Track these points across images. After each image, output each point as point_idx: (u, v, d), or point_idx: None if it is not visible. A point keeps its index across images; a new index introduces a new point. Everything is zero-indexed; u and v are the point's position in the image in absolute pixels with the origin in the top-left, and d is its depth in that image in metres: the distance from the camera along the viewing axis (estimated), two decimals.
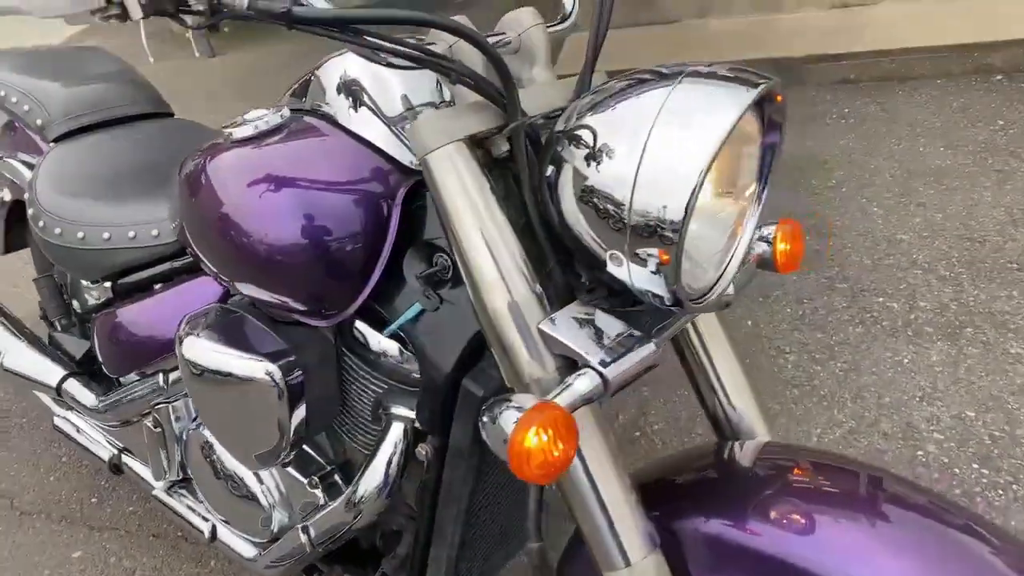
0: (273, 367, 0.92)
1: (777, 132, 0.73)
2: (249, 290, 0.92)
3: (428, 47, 0.74)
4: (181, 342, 0.97)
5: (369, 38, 0.66)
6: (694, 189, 0.60)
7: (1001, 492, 1.46)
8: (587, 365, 0.68)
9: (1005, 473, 1.49)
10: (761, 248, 0.87)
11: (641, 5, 3.49)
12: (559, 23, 0.98)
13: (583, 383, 0.67)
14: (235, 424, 1.02)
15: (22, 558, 1.68)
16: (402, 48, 0.67)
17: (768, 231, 0.88)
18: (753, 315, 1.98)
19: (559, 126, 0.71)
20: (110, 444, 1.49)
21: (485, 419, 0.67)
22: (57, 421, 1.58)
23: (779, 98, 0.70)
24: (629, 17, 3.50)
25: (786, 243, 0.87)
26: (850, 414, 1.67)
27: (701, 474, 0.87)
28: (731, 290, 0.79)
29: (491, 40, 0.84)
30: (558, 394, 0.66)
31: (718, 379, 0.90)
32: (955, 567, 0.66)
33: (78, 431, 1.54)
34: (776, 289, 2.05)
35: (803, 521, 0.71)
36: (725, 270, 0.76)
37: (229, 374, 0.94)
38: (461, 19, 0.76)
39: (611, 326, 0.71)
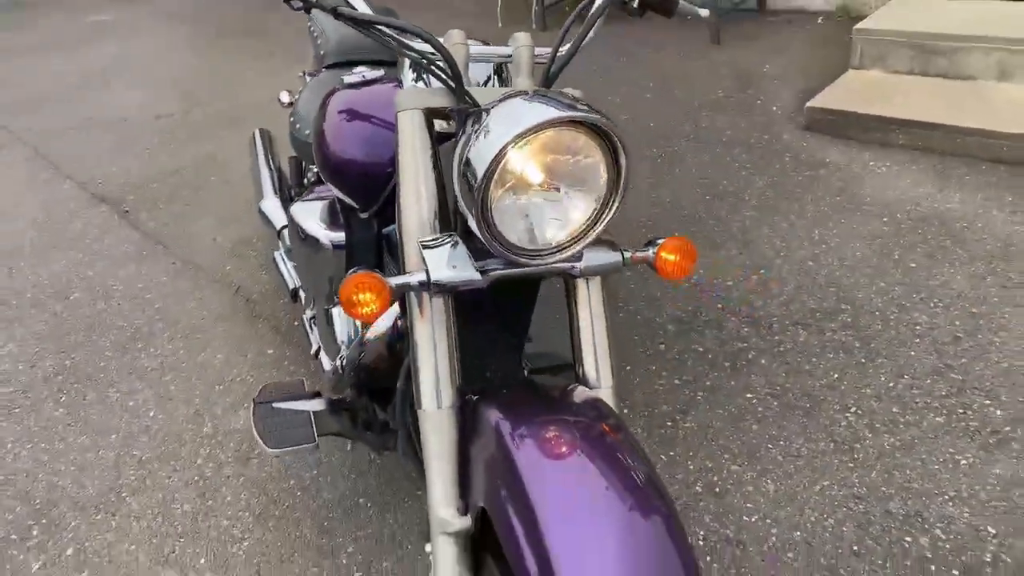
0: (332, 235, 1.40)
1: (621, 157, 0.99)
2: (330, 182, 1.40)
3: (418, 47, 1.11)
4: (291, 204, 1.50)
5: (381, 30, 1.06)
6: (487, 170, 0.92)
7: None
8: (424, 271, 1.03)
9: None
10: (646, 252, 1.12)
11: (936, 55, 3.30)
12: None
13: (414, 279, 1.02)
14: (307, 271, 1.53)
15: (234, 343, 2.43)
16: (394, 41, 1.07)
17: (658, 240, 1.12)
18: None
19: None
20: (292, 279, 2.14)
21: None
22: (275, 255, 2.28)
23: (615, 136, 0.96)
24: (918, 65, 3.34)
25: (671, 254, 1.11)
26: None
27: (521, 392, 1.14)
28: (582, 264, 1.07)
29: (502, 51, 1.18)
30: (399, 278, 1.02)
31: (578, 332, 1.16)
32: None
33: (284, 263, 2.22)
34: None
35: (553, 450, 0.96)
36: (566, 244, 1.03)
37: (306, 233, 1.44)
38: (458, 32, 1.13)
39: (460, 258, 1.04)
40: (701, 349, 2.15)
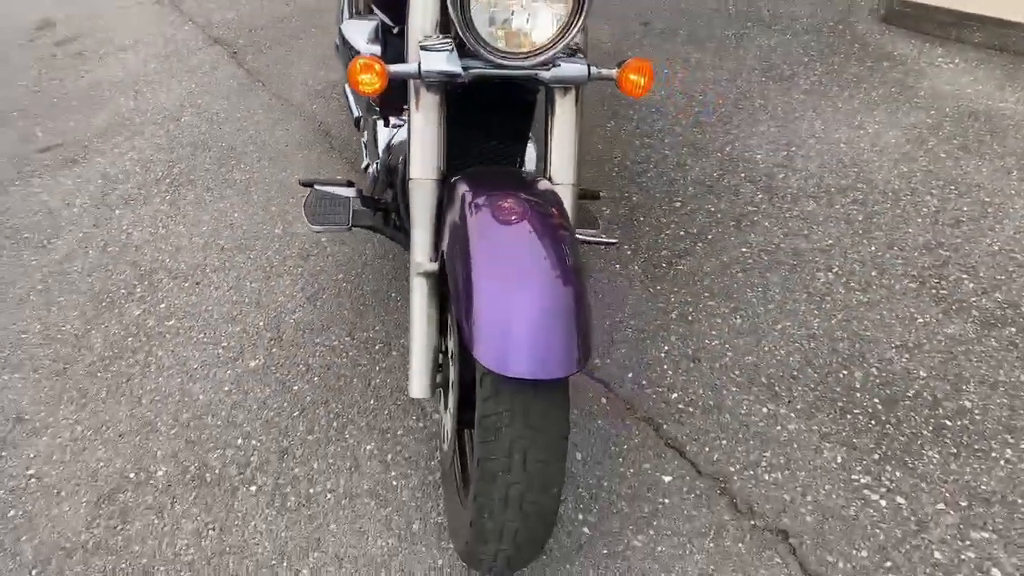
0: (371, 48, 1.67)
1: None
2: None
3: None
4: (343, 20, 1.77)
5: None
6: None
7: None
8: (417, 63, 1.28)
9: None
10: (612, 71, 1.34)
11: None
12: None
13: (409, 68, 1.28)
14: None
15: (310, 167, 2.80)
16: None
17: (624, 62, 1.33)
18: None
19: None
20: (355, 108, 2.44)
21: None
22: (344, 85, 2.58)
23: None
24: None
25: (633, 74, 1.33)
26: None
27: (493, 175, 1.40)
28: (550, 74, 1.30)
29: None
30: (397, 65, 1.29)
31: (551, 136, 1.40)
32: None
33: (349, 93, 2.52)
34: None
35: (498, 215, 1.23)
36: (536, 50, 1.26)
37: (350, 46, 1.72)
38: None
39: (450, 58, 1.28)
40: (712, 209, 2.34)
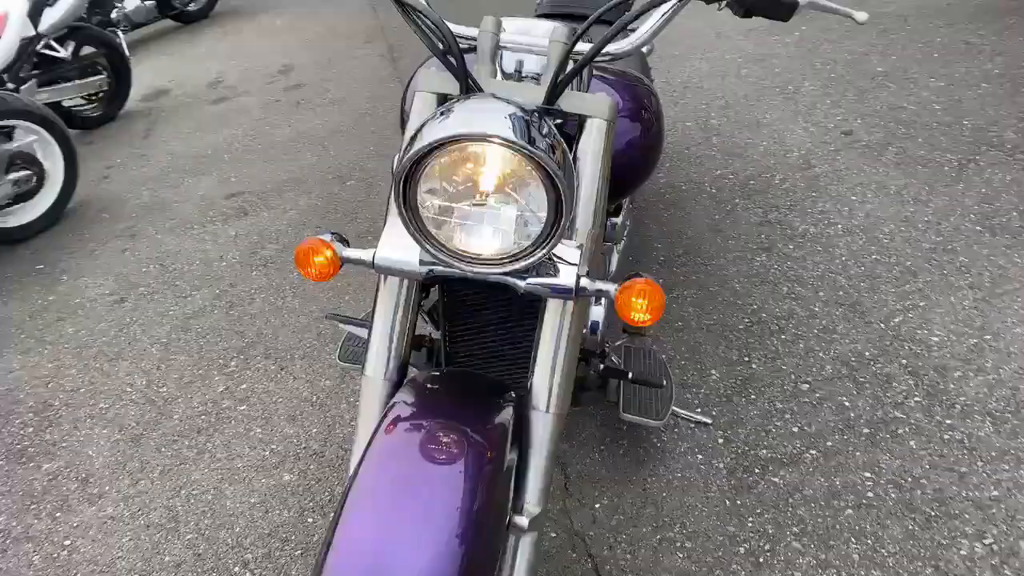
0: None
1: (555, 189, 0.93)
2: None
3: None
4: None
5: (406, 11, 1.11)
6: (403, 173, 0.94)
7: None
8: (374, 250, 1.10)
9: None
10: (607, 288, 1.05)
11: None
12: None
13: (365, 255, 1.10)
14: None
15: None
16: (413, 25, 1.11)
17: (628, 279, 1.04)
18: None
19: None
20: None
21: None
22: None
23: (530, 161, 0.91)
24: None
25: (636, 297, 1.03)
26: None
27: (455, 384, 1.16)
28: (525, 283, 1.05)
29: (539, 43, 1.15)
30: (353, 250, 1.11)
31: (536, 347, 1.13)
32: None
33: None
34: None
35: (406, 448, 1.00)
36: (503, 258, 1.01)
37: None
38: (491, 19, 1.12)
39: (412, 247, 1.08)
40: (846, 403, 1.86)
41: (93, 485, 2.01)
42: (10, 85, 3.98)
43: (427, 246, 1.02)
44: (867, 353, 1.98)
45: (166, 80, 5.31)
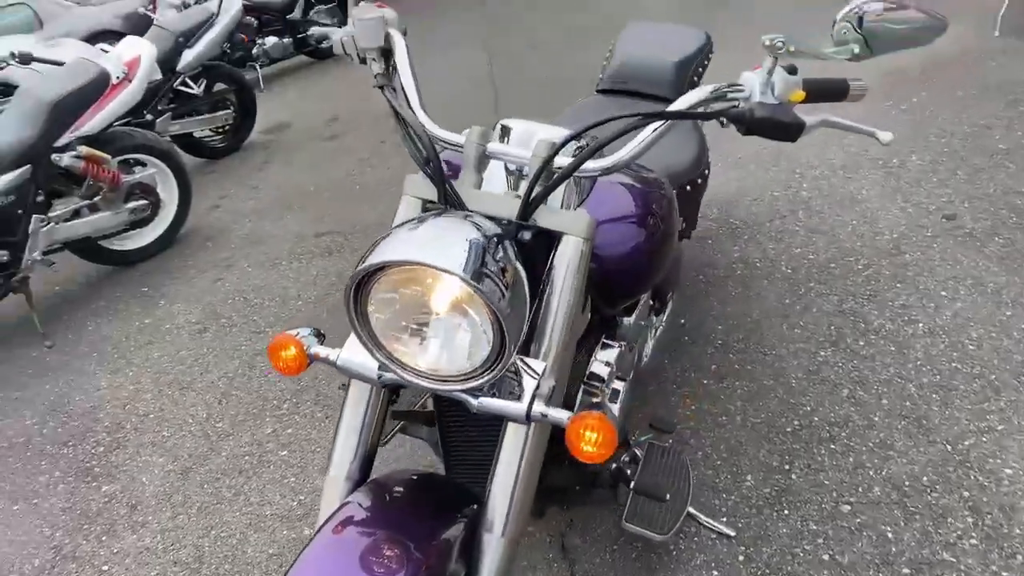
0: None
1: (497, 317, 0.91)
2: None
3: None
4: None
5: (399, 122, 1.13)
6: (348, 288, 0.95)
7: None
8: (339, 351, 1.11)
9: None
10: (560, 416, 1.01)
11: None
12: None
13: (331, 354, 1.11)
14: None
15: None
16: (400, 135, 1.13)
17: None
18: None
19: None
20: None
21: None
22: None
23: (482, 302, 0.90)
24: None
25: (586, 431, 0.99)
26: None
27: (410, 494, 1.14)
28: (478, 402, 1.03)
29: (521, 155, 1.13)
30: (323, 348, 1.13)
31: (495, 466, 1.10)
32: None
33: None
34: None
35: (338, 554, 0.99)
36: (462, 377, 1.00)
37: None
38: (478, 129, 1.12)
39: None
40: (890, 535, 1.67)
41: (139, 513, 2.15)
42: (148, 117, 4.40)
43: (379, 356, 1.02)
44: (924, 478, 1.78)
45: (290, 115, 5.67)
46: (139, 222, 3.59)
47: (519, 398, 1.05)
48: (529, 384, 1.05)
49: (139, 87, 3.48)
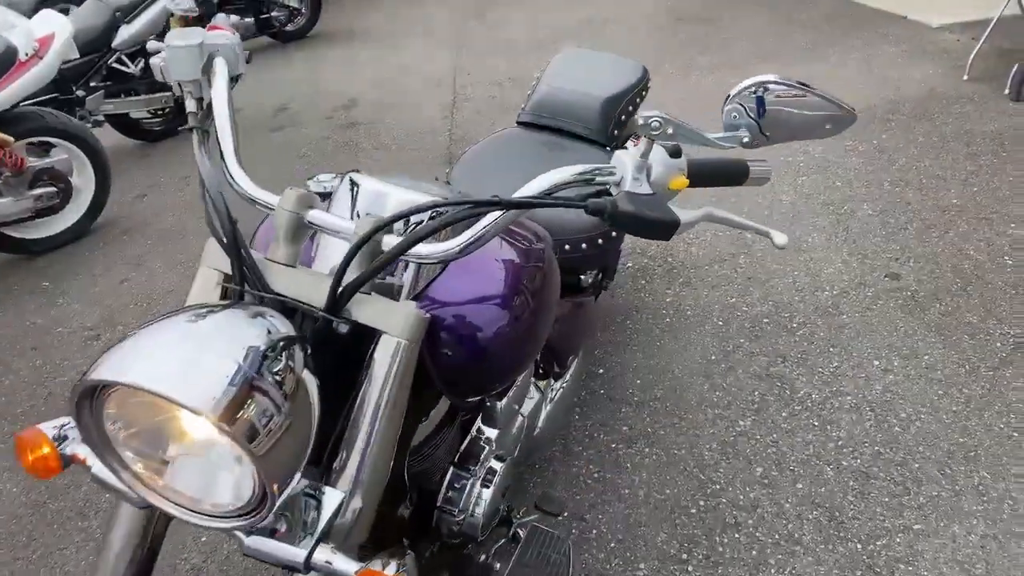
0: None
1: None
2: None
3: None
4: None
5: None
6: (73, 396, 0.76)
7: None
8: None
9: None
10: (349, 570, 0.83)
11: None
12: None
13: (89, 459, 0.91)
14: None
15: None
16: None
17: None
18: None
19: None
20: None
21: None
22: None
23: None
24: None
25: None
26: None
27: None
28: (249, 541, 0.84)
29: (345, 227, 0.94)
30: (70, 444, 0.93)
31: None
32: None
33: None
34: None
35: None
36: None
37: None
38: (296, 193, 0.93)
39: None
40: None
41: None
42: (80, 93, 4.13)
43: (122, 477, 0.83)
44: None
45: (240, 100, 5.40)
46: (45, 210, 3.33)
47: (310, 534, 0.86)
48: (327, 512, 0.87)
49: (51, 66, 3.22)
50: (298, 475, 0.81)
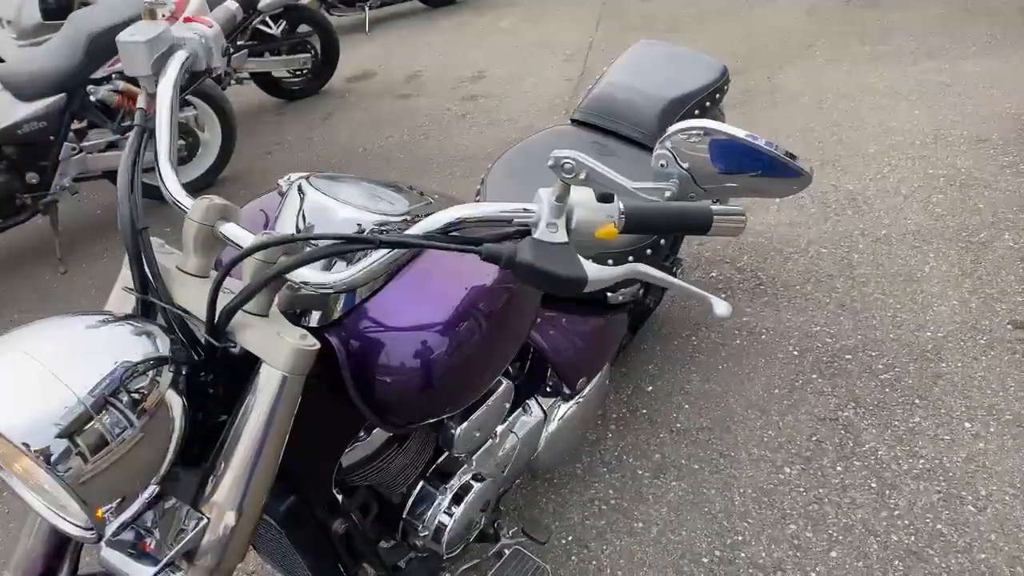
0: None
1: None
2: None
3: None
4: None
5: None
6: None
7: None
8: None
9: None
10: None
11: None
12: None
13: None
14: None
15: None
16: None
17: None
18: None
19: None
20: None
21: None
22: None
23: None
24: None
25: None
26: None
27: None
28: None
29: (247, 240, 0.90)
30: None
31: None
32: None
33: None
34: None
35: None
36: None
37: None
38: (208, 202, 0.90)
39: None
40: None
41: None
42: (230, 50, 4.41)
43: None
44: None
45: (378, 64, 5.55)
46: None
47: (167, 552, 0.84)
48: (183, 538, 0.85)
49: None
50: (143, 497, 0.80)
